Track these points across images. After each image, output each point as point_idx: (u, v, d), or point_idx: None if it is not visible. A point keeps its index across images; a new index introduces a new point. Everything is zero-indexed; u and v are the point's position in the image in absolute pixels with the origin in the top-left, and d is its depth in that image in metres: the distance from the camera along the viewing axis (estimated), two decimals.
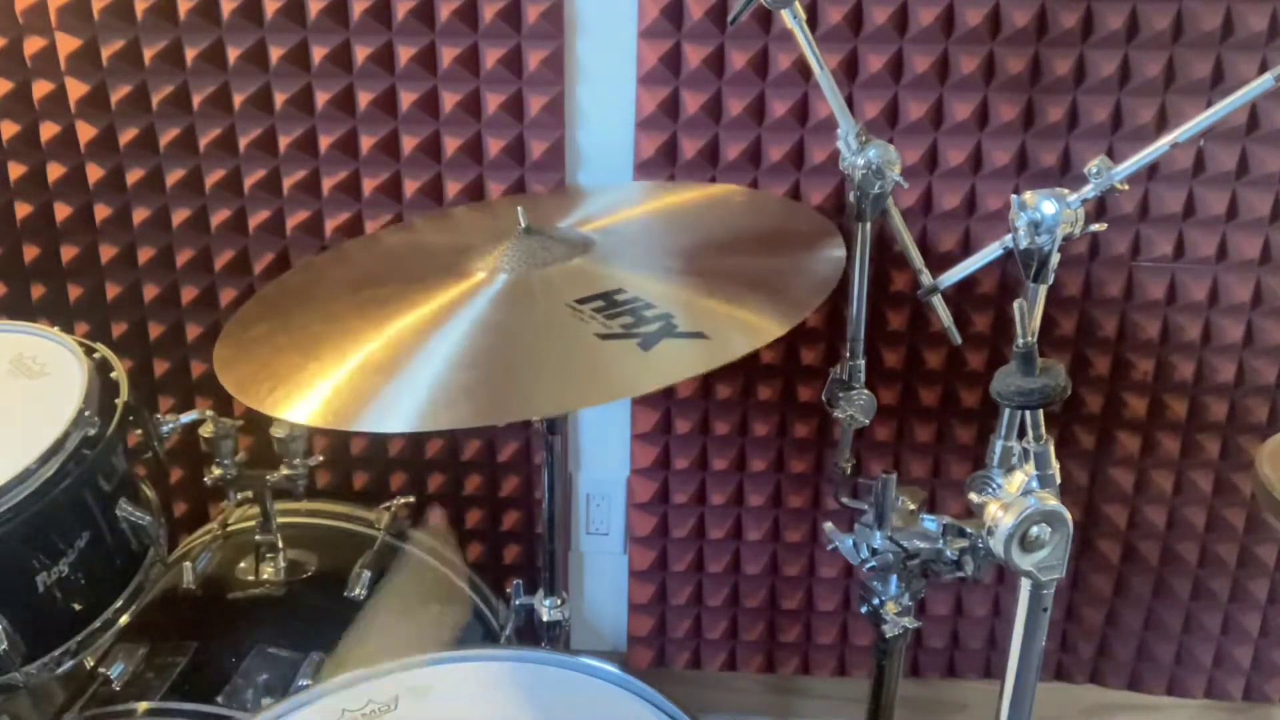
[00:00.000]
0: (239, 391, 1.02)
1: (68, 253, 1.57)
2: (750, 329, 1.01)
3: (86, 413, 1.11)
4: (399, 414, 0.93)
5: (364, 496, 1.65)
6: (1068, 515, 0.87)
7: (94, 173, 1.53)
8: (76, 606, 1.14)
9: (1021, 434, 0.92)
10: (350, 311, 1.12)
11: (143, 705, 1.17)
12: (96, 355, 1.21)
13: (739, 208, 1.36)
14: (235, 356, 1.09)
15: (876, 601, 1.10)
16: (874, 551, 1.06)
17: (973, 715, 1.80)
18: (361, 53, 1.44)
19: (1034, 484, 0.89)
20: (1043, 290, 0.92)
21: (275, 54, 1.45)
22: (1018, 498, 0.88)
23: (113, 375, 1.20)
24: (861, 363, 1.23)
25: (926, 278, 1.18)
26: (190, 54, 1.45)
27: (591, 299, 1.03)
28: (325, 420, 0.95)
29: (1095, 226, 0.92)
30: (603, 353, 0.96)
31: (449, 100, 1.46)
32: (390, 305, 1.09)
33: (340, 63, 1.45)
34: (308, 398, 0.97)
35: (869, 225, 1.15)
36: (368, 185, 1.51)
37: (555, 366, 0.97)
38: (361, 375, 0.99)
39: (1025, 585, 0.90)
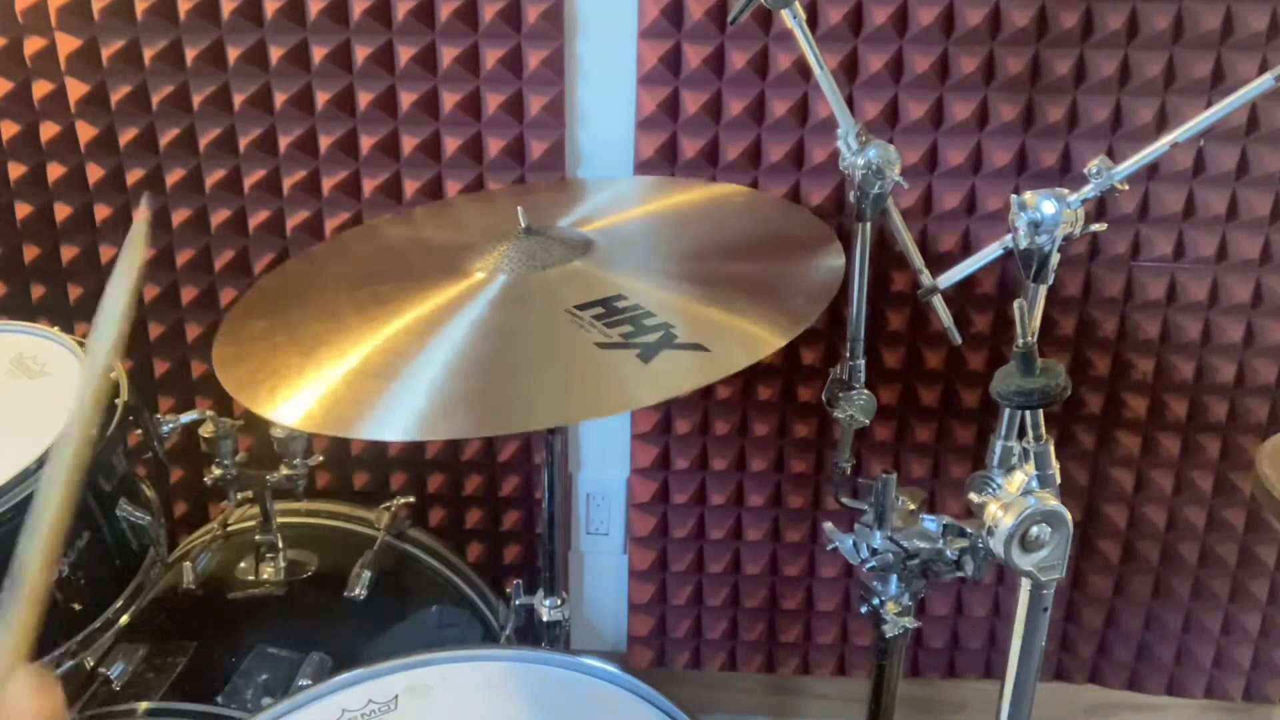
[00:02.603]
0: (238, 392, 1.02)
1: (68, 253, 1.57)
2: (749, 341, 1.01)
3: None
4: (397, 422, 0.93)
5: (364, 496, 1.65)
6: (1068, 515, 0.87)
7: (94, 173, 1.53)
8: (76, 606, 1.14)
9: (1021, 434, 0.92)
10: (349, 309, 1.11)
11: (143, 705, 1.17)
12: None
13: (738, 209, 1.36)
14: (234, 355, 1.09)
15: (876, 601, 1.10)
16: (874, 551, 1.05)
17: (973, 715, 1.80)
18: (361, 53, 1.44)
19: (1034, 484, 0.89)
20: (1043, 290, 0.92)
21: (275, 54, 1.45)
22: (1018, 498, 0.88)
23: (113, 375, 1.20)
24: (861, 363, 1.23)
25: (926, 278, 1.18)
26: (190, 54, 1.45)
27: (591, 305, 1.03)
28: (324, 426, 0.96)
29: (1095, 226, 0.92)
30: (602, 363, 0.96)
31: (449, 100, 1.46)
32: (389, 303, 1.09)
33: (340, 63, 1.45)
34: (306, 401, 0.97)
35: (869, 225, 1.15)
36: (368, 185, 1.51)
37: (553, 376, 0.97)
38: (360, 379, 0.99)
39: (1025, 585, 0.90)
